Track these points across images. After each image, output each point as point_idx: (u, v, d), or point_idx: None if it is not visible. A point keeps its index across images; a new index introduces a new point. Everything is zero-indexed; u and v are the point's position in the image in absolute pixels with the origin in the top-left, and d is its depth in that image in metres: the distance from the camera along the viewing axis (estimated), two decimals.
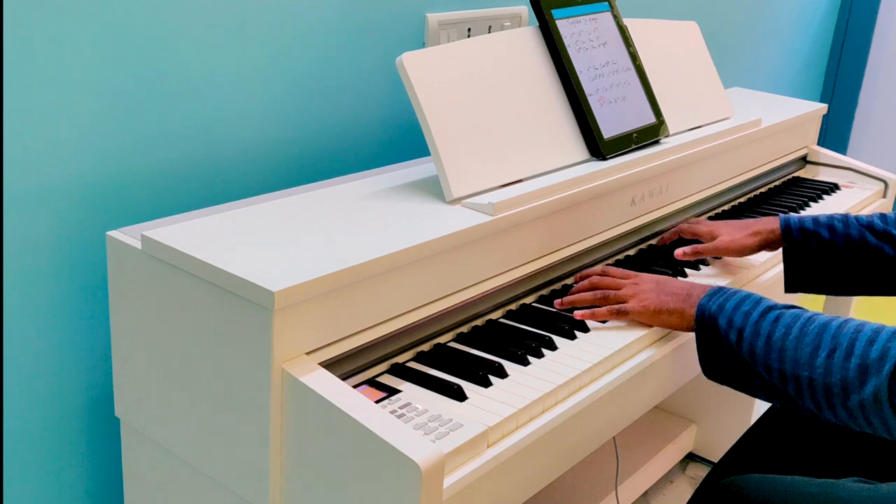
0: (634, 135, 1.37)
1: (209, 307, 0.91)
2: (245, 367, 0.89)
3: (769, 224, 1.30)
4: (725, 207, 1.64)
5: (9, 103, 1.02)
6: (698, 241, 1.34)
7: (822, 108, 1.90)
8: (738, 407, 1.92)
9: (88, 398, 1.20)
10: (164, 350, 0.99)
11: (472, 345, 1.06)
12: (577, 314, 1.12)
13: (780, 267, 1.38)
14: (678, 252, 1.29)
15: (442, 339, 1.07)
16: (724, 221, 1.35)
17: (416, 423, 0.88)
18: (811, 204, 1.70)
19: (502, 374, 0.99)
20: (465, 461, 0.86)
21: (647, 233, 1.41)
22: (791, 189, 1.79)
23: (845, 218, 1.26)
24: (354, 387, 0.94)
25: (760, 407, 1.89)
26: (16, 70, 1.02)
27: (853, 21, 3.19)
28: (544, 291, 1.22)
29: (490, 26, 1.58)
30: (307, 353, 0.89)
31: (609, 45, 1.39)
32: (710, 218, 1.57)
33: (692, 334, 1.11)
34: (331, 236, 0.99)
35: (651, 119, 1.41)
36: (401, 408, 0.91)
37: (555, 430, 0.96)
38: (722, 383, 1.04)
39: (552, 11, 1.31)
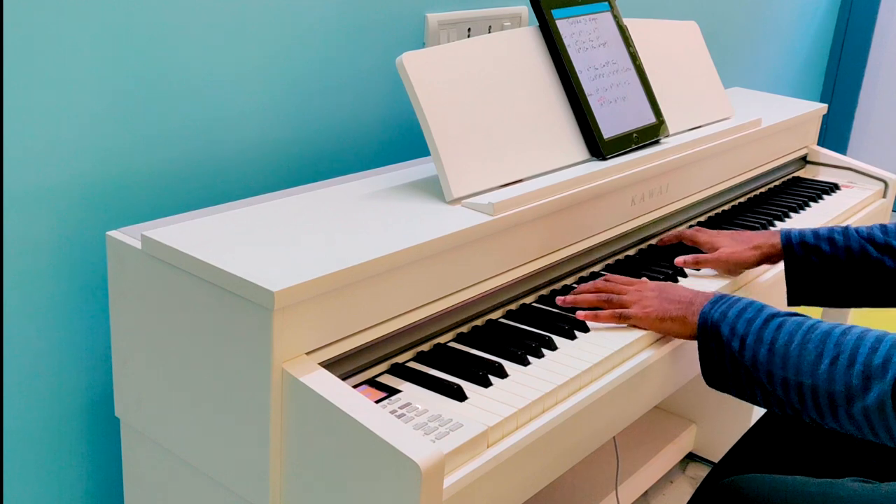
0: (634, 135, 1.37)
1: (209, 307, 0.91)
2: (245, 367, 0.89)
3: (770, 238, 1.30)
4: (725, 207, 1.64)
5: (9, 103, 1.02)
6: (697, 248, 1.35)
7: (822, 108, 1.90)
8: (738, 407, 1.92)
9: (88, 398, 1.20)
10: (164, 350, 0.99)
11: (472, 345, 1.06)
12: (580, 314, 1.12)
13: (779, 269, 1.38)
14: (679, 260, 1.30)
15: (442, 339, 1.07)
16: (724, 231, 1.35)
17: (416, 423, 0.88)
18: (811, 204, 1.70)
19: (502, 374, 0.99)
20: (465, 461, 0.86)
21: (647, 233, 1.41)
22: (791, 189, 1.79)
23: (845, 230, 1.25)
24: (354, 387, 0.94)
25: (760, 408, 1.89)
26: (16, 70, 1.02)
27: (853, 21, 3.19)
28: (544, 291, 1.22)
29: (490, 26, 1.58)
30: (307, 353, 0.89)
31: (609, 45, 1.39)
32: (710, 217, 1.57)
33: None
34: (331, 236, 0.99)
35: (651, 119, 1.41)
36: (401, 408, 0.91)
37: (555, 430, 0.96)
38: (723, 391, 1.04)
39: (552, 11, 1.31)
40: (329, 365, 0.91)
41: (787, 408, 0.97)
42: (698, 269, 1.31)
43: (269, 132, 1.31)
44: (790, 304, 1.30)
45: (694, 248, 1.36)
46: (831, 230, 1.26)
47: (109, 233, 1.01)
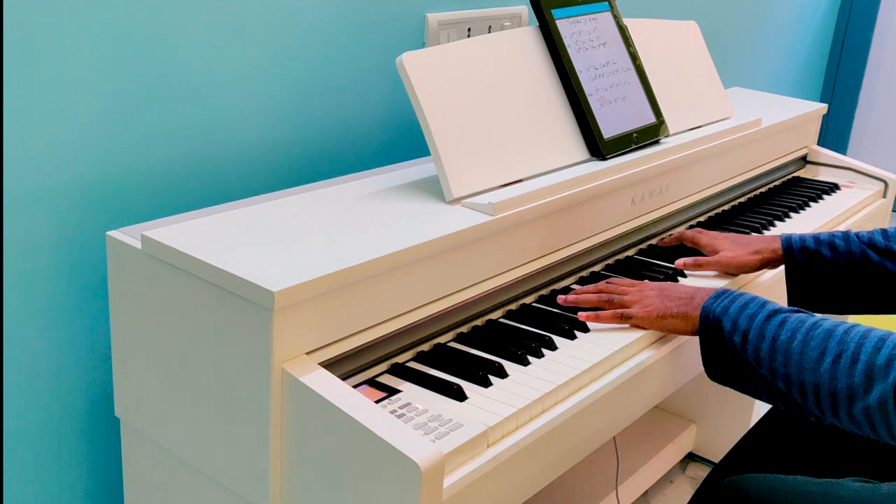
0: (634, 135, 1.37)
1: (209, 307, 0.91)
2: (245, 367, 0.89)
3: (771, 243, 1.30)
4: (725, 207, 1.64)
5: (9, 103, 1.02)
6: (698, 250, 1.35)
7: (822, 108, 1.90)
8: (738, 407, 1.92)
9: (88, 398, 1.20)
10: (164, 350, 0.99)
11: (472, 345, 1.06)
12: (581, 315, 1.12)
13: (779, 269, 1.38)
14: (679, 262, 1.30)
15: (442, 339, 1.07)
16: (725, 234, 1.35)
17: (416, 423, 0.88)
18: (811, 204, 1.70)
19: (502, 374, 0.99)
20: (465, 461, 0.86)
21: (647, 233, 1.41)
22: (791, 189, 1.79)
23: (846, 235, 1.25)
24: (354, 387, 0.94)
25: (761, 407, 1.89)
26: (16, 70, 1.02)
27: (853, 21, 3.19)
28: (544, 291, 1.22)
29: (490, 26, 1.58)
30: (307, 353, 0.89)
31: (609, 45, 1.39)
32: (710, 217, 1.57)
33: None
34: (331, 236, 0.99)
35: (651, 119, 1.41)
36: (401, 408, 0.91)
37: (555, 430, 0.96)
38: (725, 385, 1.04)
39: (552, 11, 1.31)
40: (329, 365, 0.91)
41: (790, 403, 0.97)
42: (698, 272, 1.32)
43: (269, 132, 1.31)
44: None
45: (694, 250, 1.36)
46: (832, 235, 1.26)
47: (109, 233, 1.01)
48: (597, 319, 1.12)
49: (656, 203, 1.41)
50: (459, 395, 0.94)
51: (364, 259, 0.92)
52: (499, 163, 1.17)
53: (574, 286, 1.24)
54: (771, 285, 1.37)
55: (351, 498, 0.85)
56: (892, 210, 1.87)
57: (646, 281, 1.18)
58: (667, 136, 1.44)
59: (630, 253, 1.38)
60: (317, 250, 0.94)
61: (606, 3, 1.41)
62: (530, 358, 1.03)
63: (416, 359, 1.03)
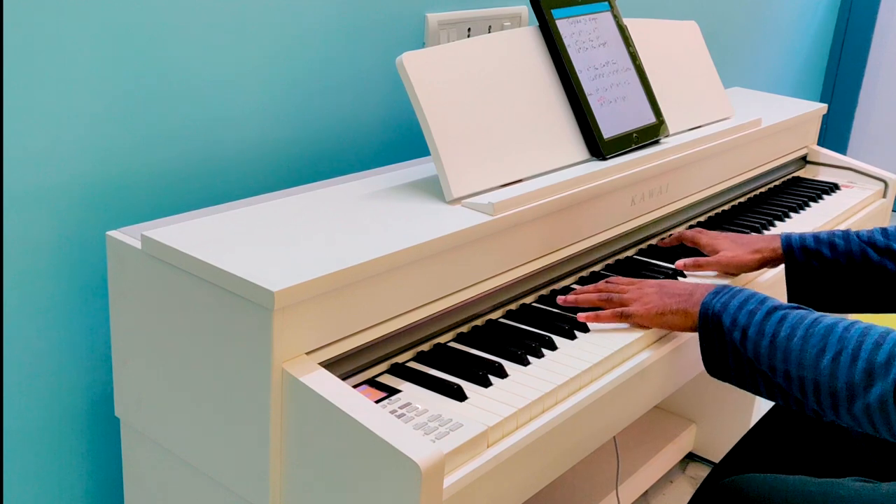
0: (634, 135, 1.37)
1: (209, 307, 0.91)
2: (245, 367, 0.89)
3: (771, 243, 1.30)
4: (725, 207, 1.64)
5: (9, 103, 1.02)
6: (698, 250, 1.35)
7: (822, 108, 1.90)
8: (738, 407, 1.92)
9: (88, 398, 1.20)
10: (164, 350, 0.99)
11: (472, 345, 1.06)
12: (581, 316, 1.12)
13: (779, 268, 1.38)
14: (679, 263, 1.30)
15: (442, 339, 1.07)
16: (725, 234, 1.35)
17: (416, 423, 0.88)
18: (811, 204, 1.70)
19: (502, 374, 0.99)
20: (465, 461, 0.86)
21: (647, 233, 1.41)
22: (791, 189, 1.79)
23: (846, 235, 1.25)
24: (354, 387, 0.94)
25: (761, 407, 1.89)
26: (16, 70, 1.02)
27: (853, 21, 3.19)
28: (544, 291, 1.22)
29: (490, 26, 1.58)
30: (307, 353, 0.89)
31: (609, 44, 1.39)
32: (710, 217, 1.57)
33: (693, 334, 1.11)
34: (331, 236, 0.99)
35: (651, 119, 1.41)
36: (401, 408, 0.91)
37: (555, 430, 0.96)
38: (725, 381, 1.04)
39: (552, 11, 1.31)
40: (329, 365, 0.91)
41: (790, 400, 0.97)
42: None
43: (269, 132, 1.31)
44: None
45: (694, 250, 1.36)
46: (832, 234, 1.26)
47: (109, 233, 1.01)
48: (597, 320, 1.11)
49: (656, 203, 1.41)
50: (459, 395, 0.94)
51: (364, 259, 0.92)
52: (499, 163, 1.17)
53: (574, 286, 1.24)
54: (771, 285, 1.37)
55: (351, 498, 0.85)
56: (892, 210, 1.87)
57: (645, 279, 1.18)
58: (667, 136, 1.44)
59: (630, 253, 1.38)
60: (317, 250, 0.94)
61: (606, 3, 1.41)
62: (530, 358, 1.03)
63: (416, 359, 1.03)
